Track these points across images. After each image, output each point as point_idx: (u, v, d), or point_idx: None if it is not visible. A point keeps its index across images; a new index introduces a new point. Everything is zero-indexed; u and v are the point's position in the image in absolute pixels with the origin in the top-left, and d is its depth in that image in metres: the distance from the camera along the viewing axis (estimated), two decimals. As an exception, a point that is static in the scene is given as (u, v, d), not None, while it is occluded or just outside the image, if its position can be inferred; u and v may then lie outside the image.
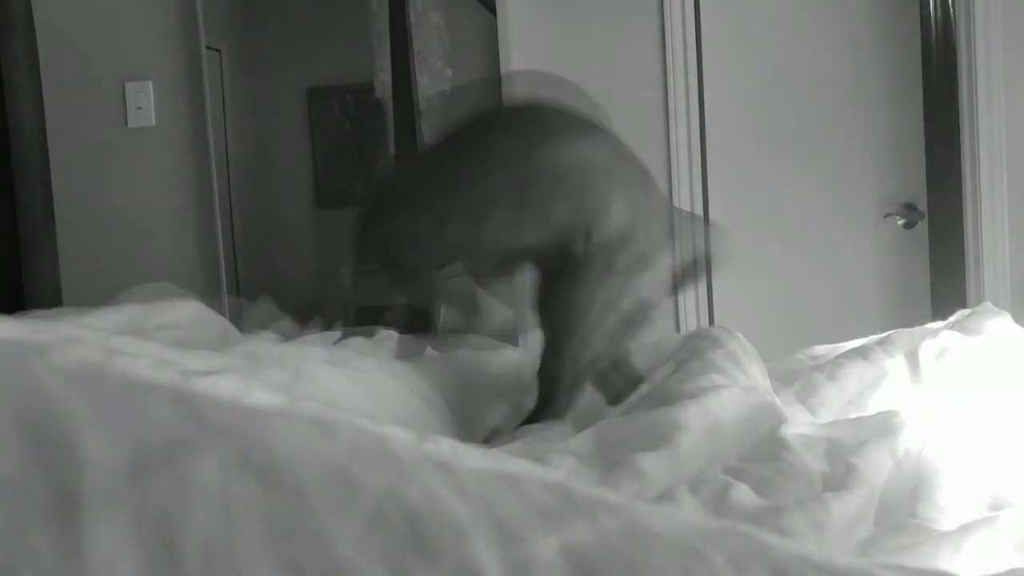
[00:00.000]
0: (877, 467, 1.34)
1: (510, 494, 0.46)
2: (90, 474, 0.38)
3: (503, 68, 2.92)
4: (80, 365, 0.42)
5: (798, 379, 1.77)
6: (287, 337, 1.86)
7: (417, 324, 1.84)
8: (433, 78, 3.12)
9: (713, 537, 0.50)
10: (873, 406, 1.67)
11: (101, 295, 2.17)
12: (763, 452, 1.45)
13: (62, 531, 0.36)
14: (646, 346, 1.92)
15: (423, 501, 0.43)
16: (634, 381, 1.69)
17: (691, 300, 2.91)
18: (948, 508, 1.24)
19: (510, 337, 2.10)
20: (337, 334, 1.90)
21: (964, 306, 2.22)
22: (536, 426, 1.60)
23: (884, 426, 1.49)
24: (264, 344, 1.65)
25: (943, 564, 1.05)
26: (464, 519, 0.43)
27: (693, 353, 1.73)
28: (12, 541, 0.36)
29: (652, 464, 1.35)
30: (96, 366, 0.43)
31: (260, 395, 0.48)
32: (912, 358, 1.76)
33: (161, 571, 0.37)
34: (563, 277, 1.67)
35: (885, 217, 2.97)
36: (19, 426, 0.38)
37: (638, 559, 0.47)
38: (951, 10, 2.79)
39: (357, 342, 1.86)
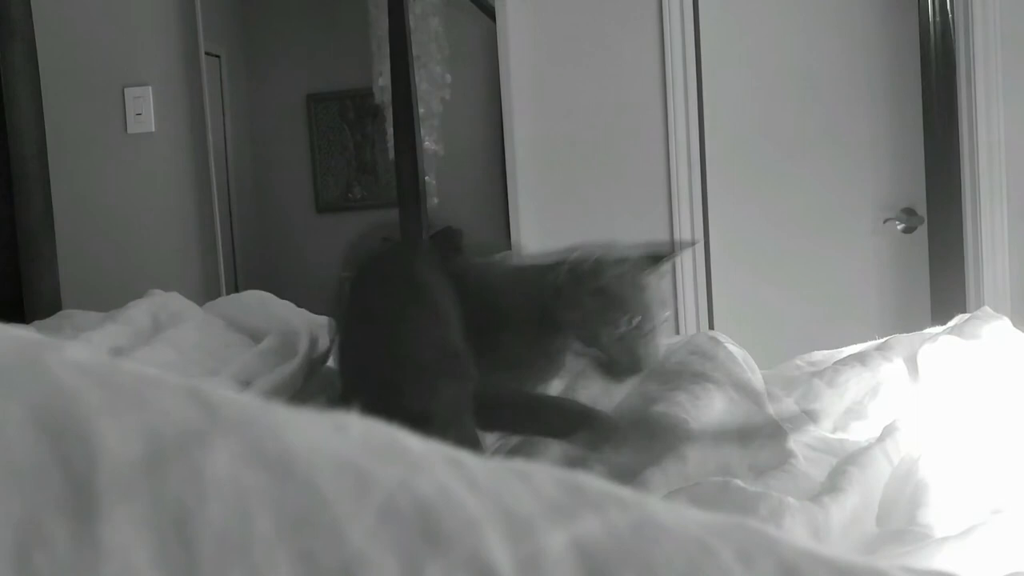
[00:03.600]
0: (875, 473, 1.35)
1: (520, 488, 0.46)
2: (105, 464, 0.38)
3: (503, 73, 2.93)
4: (94, 360, 0.43)
5: (798, 386, 1.78)
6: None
7: None
8: (432, 84, 3.13)
9: (721, 532, 0.50)
10: (872, 412, 1.67)
11: (100, 301, 2.17)
12: (770, 459, 1.46)
13: (77, 520, 0.37)
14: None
15: (434, 493, 0.43)
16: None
17: (691, 304, 2.92)
18: (947, 513, 1.24)
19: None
20: None
21: (963, 310, 2.23)
22: None
23: (882, 432, 1.49)
24: None
25: (942, 568, 1.05)
26: (475, 511, 0.43)
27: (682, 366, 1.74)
28: (28, 530, 0.36)
29: (657, 477, 1.36)
30: (110, 361, 0.43)
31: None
32: (911, 363, 1.76)
33: (175, 560, 0.37)
34: None
35: (884, 222, 2.98)
36: (34, 416, 0.39)
37: (646, 552, 0.47)
38: (950, 15, 2.80)
39: None
